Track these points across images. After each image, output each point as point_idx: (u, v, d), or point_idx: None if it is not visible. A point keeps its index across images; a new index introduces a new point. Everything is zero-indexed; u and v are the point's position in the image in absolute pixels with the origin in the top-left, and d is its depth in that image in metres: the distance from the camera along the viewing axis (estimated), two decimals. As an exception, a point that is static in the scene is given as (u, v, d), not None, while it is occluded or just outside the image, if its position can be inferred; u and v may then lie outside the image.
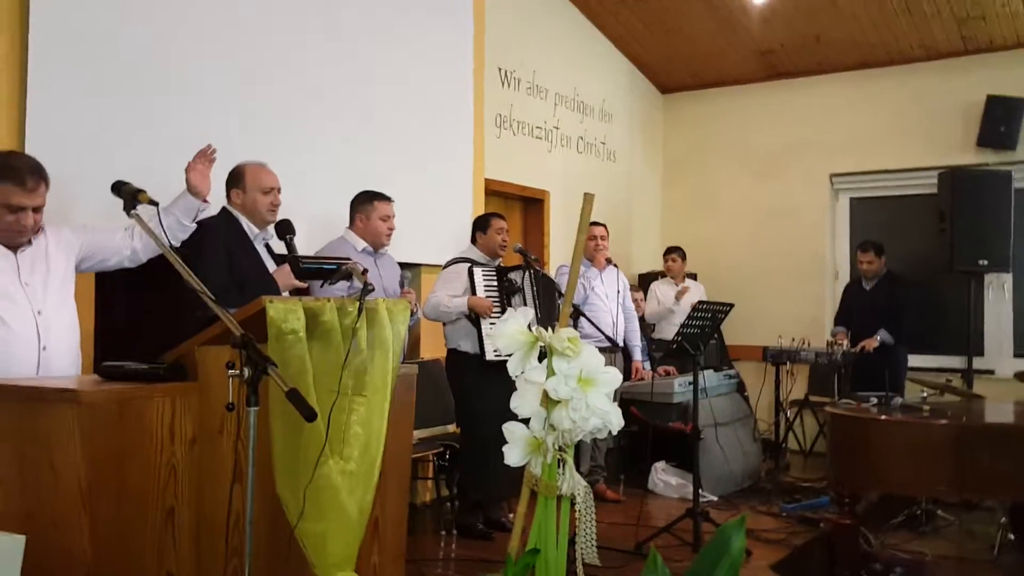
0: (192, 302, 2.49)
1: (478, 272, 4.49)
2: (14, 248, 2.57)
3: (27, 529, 1.69)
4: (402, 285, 4.19)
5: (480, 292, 4.45)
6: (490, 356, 4.39)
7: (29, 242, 2.60)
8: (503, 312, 4.44)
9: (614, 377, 1.65)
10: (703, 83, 8.25)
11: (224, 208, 3.48)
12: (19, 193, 2.51)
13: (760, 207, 7.93)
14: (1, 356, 2.37)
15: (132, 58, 3.70)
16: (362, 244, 4.11)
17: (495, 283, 4.51)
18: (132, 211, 2.23)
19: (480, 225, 4.79)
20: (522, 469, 1.61)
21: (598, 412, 1.65)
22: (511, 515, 4.70)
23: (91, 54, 3.55)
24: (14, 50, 3.35)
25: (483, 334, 4.43)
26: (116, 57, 3.64)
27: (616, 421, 1.67)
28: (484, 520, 4.60)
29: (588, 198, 1.91)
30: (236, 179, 3.47)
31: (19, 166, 2.55)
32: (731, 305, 4.83)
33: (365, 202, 4.14)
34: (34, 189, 2.54)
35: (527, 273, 4.58)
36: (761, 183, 7.99)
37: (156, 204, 2.29)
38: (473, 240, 4.78)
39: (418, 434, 4.42)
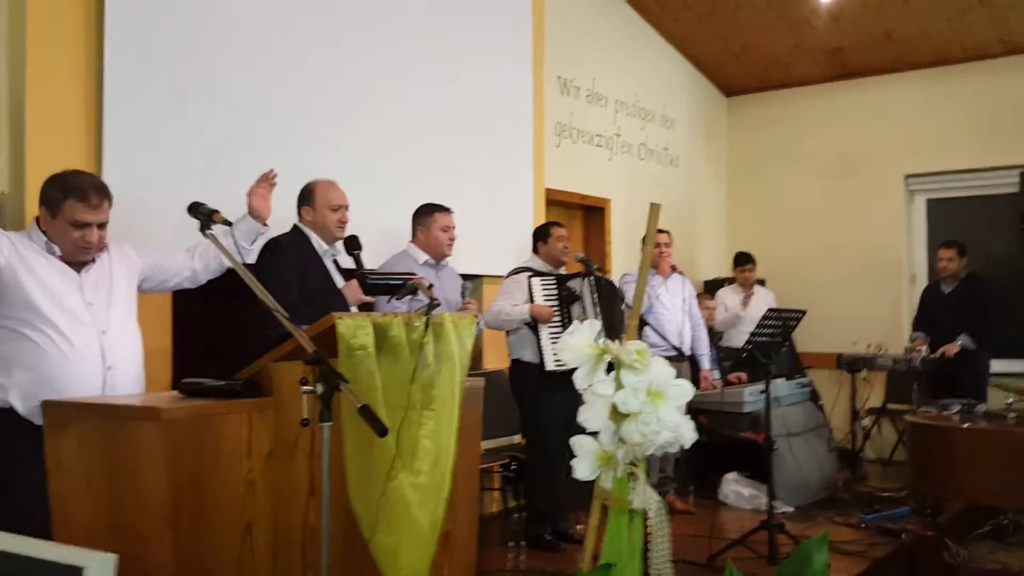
0: (266, 319, 2.56)
1: (536, 282, 4.49)
2: (78, 267, 2.66)
3: (114, 542, 1.75)
4: (463, 296, 4.20)
5: (539, 301, 4.45)
6: (550, 366, 4.38)
7: (93, 260, 2.68)
8: (562, 321, 4.44)
9: (685, 390, 1.63)
10: (768, 85, 8.12)
11: (295, 225, 3.56)
12: (84, 210, 2.60)
13: (831, 210, 7.75)
14: (67, 376, 2.44)
15: (202, 80, 3.81)
16: (424, 257, 4.13)
17: (555, 292, 4.50)
18: (208, 231, 2.30)
19: (540, 235, 4.79)
20: (590, 480, 1.61)
21: (669, 425, 1.63)
22: (579, 526, 4.67)
23: (164, 77, 3.66)
24: (90, 73, 3.47)
25: (542, 343, 4.42)
26: (187, 80, 3.75)
27: (688, 435, 1.65)
28: (552, 531, 4.58)
29: (654, 208, 1.89)
30: (306, 196, 3.55)
31: (83, 184, 2.64)
32: (803, 312, 4.72)
33: (425, 214, 4.18)
34: (98, 206, 2.62)
35: (587, 280, 4.55)
36: (832, 185, 7.81)
37: (230, 224, 2.35)
38: (535, 250, 4.78)
39: (484, 445, 4.43)
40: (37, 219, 2.71)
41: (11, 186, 3.33)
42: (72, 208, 2.60)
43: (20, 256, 2.59)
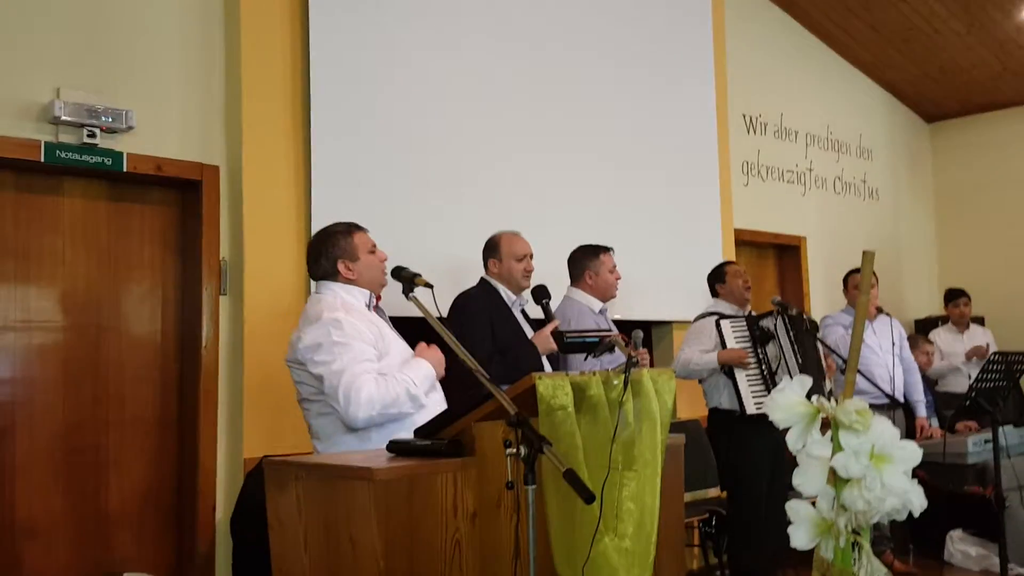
0: (467, 378, 2.62)
1: (726, 324, 4.30)
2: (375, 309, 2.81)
3: (330, 598, 1.82)
4: (636, 346, 4.02)
5: (731, 344, 4.26)
6: (751, 410, 4.17)
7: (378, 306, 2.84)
8: (757, 362, 4.23)
9: (913, 453, 1.50)
10: (973, 108, 7.57)
11: (482, 279, 3.64)
12: (365, 234, 2.83)
13: (1056, 238, 7.06)
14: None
15: (397, 148, 4.00)
16: (598, 304, 3.98)
17: (746, 333, 4.31)
18: (410, 294, 2.39)
19: (716, 277, 4.62)
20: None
21: (896, 492, 1.50)
22: (788, 584, 4.41)
23: (365, 144, 3.88)
24: (298, 143, 3.73)
25: (740, 387, 4.23)
26: (385, 148, 3.96)
27: (918, 502, 1.52)
28: (758, 589, 4.36)
29: (868, 257, 1.76)
30: (492, 248, 3.62)
31: (341, 224, 2.86)
32: (1032, 354, 4.30)
33: (590, 256, 4.01)
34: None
35: (780, 319, 4.32)
36: (1054, 211, 7.12)
37: (431, 287, 2.43)
38: (714, 294, 4.62)
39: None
40: (331, 283, 2.79)
41: (232, 252, 3.62)
42: (365, 237, 2.82)
43: (380, 332, 2.70)
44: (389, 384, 2.52)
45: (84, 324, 3.43)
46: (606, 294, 4.01)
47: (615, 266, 4.03)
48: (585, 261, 4.01)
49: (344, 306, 2.66)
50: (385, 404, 2.47)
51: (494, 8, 4.47)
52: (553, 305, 3.81)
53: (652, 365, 4.25)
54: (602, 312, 4.02)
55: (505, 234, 3.64)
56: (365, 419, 2.45)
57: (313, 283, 2.91)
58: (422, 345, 2.72)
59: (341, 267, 2.76)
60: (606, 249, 4.05)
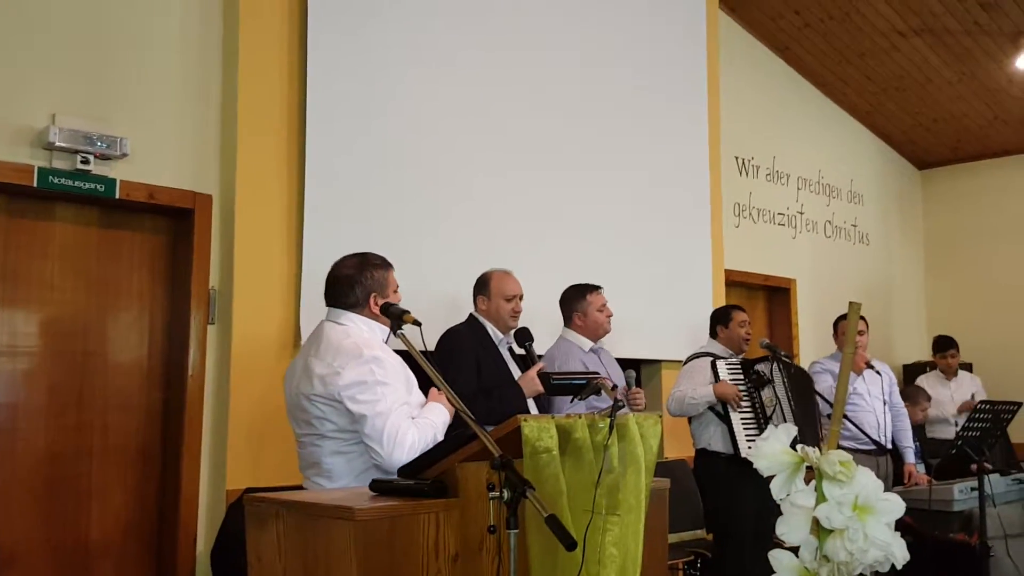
0: (453, 418, 2.61)
1: (722, 365, 4.31)
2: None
3: (307, 637, 1.79)
4: (630, 385, 4.03)
5: (726, 384, 4.28)
6: (745, 453, 4.15)
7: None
8: (752, 406, 4.23)
9: (896, 505, 1.50)
10: (964, 156, 7.65)
11: (471, 315, 3.64)
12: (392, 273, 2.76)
13: (1043, 287, 7.11)
14: None
15: (392, 181, 4.02)
16: (588, 343, 3.98)
17: (741, 376, 4.31)
18: (399, 331, 2.39)
19: (720, 318, 4.62)
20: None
21: (878, 544, 1.51)
22: (772, 631, 4.36)
23: (360, 176, 3.90)
24: (292, 175, 3.74)
25: (735, 430, 4.22)
26: (379, 181, 3.98)
27: (900, 554, 1.53)
28: (743, 634, 4.31)
29: (854, 308, 1.77)
30: (482, 286, 3.62)
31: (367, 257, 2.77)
32: (1018, 404, 4.31)
33: (578, 298, 4.02)
34: None
35: (775, 365, 4.33)
36: (1043, 260, 7.18)
37: (419, 324, 2.43)
38: (713, 334, 4.63)
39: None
40: (352, 314, 2.69)
41: (221, 281, 3.61)
42: (392, 275, 2.74)
43: (406, 371, 2.65)
44: (423, 429, 2.48)
45: (70, 350, 3.41)
46: (596, 333, 4.01)
47: (605, 304, 4.02)
48: (573, 302, 4.03)
49: (374, 342, 2.59)
50: (423, 448, 2.42)
51: (490, 53, 4.50)
52: (547, 345, 3.81)
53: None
54: (594, 351, 4.01)
55: (496, 272, 3.64)
56: (405, 463, 2.35)
57: (326, 311, 2.74)
58: (434, 391, 2.67)
59: (372, 301, 2.66)
60: (593, 288, 4.04)
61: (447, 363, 3.35)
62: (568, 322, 4.05)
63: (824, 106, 7.10)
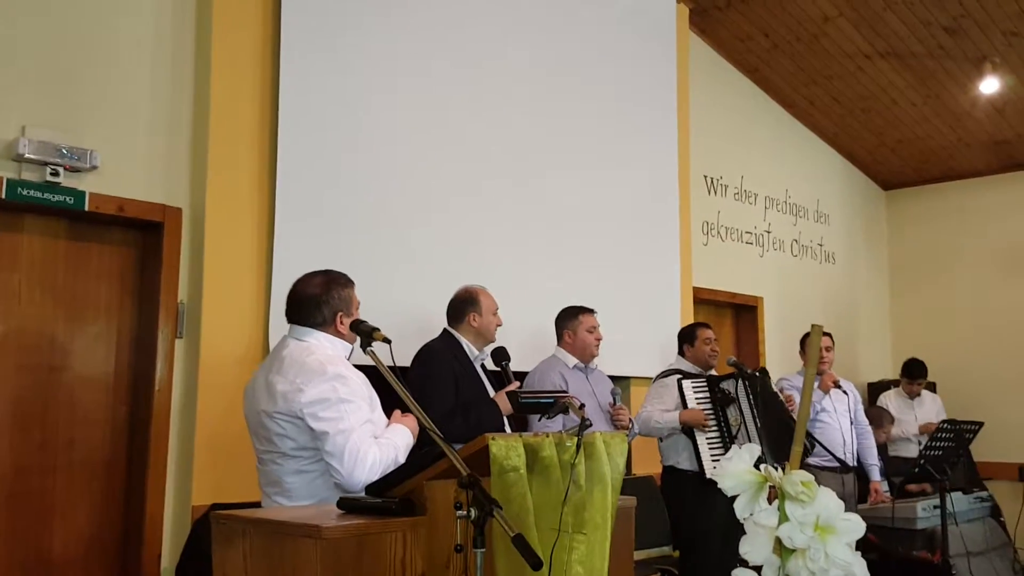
0: (422, 435, 2.61)
1: (687, 384, 4.38)
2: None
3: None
4: (614, 401, 4.14)
5: (691, 404, 4.33)
6: (710, 473, 4.20)
7: None
8: (718, 425, 4.28)
9: (856, 525, 1.53)
10: (929, 178, 7.81)
11: (445, 330, 3.65)
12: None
13: (1006, 308, 7.24)
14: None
15: (362, 195, 4.03)
16: (573, 361, 4.10)
17: (706, 394, 4.37)
18: (368, 348, 2.38)
19: (686, 337, 4.69)
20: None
21: (839, 563, 1.53)
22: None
23: (331, 190, 3.90)
24: (263, 188, 3.74)
25: (700, 450, 4.28)
26: (351, 195, 3.98)
27: (861, 574, 1.55)
28: (710, 653, 4.34)
29: (816, 329, 1.80)
30: (472, 302, 3.62)
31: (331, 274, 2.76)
32: (980, 424, 4.39)
33: (570, 318, 4.16)
34: None
35: (740, 382, 4.39)
36: (1006, 282, 7.31)
37: (389, 342, 2.43)
38: (681, 352, 4.69)
39: (634, 556, 4.28)
40: (316, 331, 2.66)
41: (190, 295, 3.59)
42: (354, 293, 2.72)
43: (369, 389, 2.62)
44: (384, 449, 2.47)
45: (36, 363, 3.36)
46: (584, 353, 4.12)
47: (596, 327, 4.15)
48: (565, 321, 4.18)
49: (338, 359, 2.58)
50: (383, 469, 2.41)
51: (464, 70, 4.53)
52: (518, 362, 3.84)
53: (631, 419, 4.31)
54: (580, 369, 4.10)
55: (479, 288, 3.69)
56: (365, 482, 2.36)
57: (287, 327, 2.70)
58: (397, 413, 2.68)
59: (338, 320, 2.65)
60: (585, 310, 4.18)
61: (425, 379, 3.36)
62: (559, 340, 4.19)
63: (792, 127, 7.21)
